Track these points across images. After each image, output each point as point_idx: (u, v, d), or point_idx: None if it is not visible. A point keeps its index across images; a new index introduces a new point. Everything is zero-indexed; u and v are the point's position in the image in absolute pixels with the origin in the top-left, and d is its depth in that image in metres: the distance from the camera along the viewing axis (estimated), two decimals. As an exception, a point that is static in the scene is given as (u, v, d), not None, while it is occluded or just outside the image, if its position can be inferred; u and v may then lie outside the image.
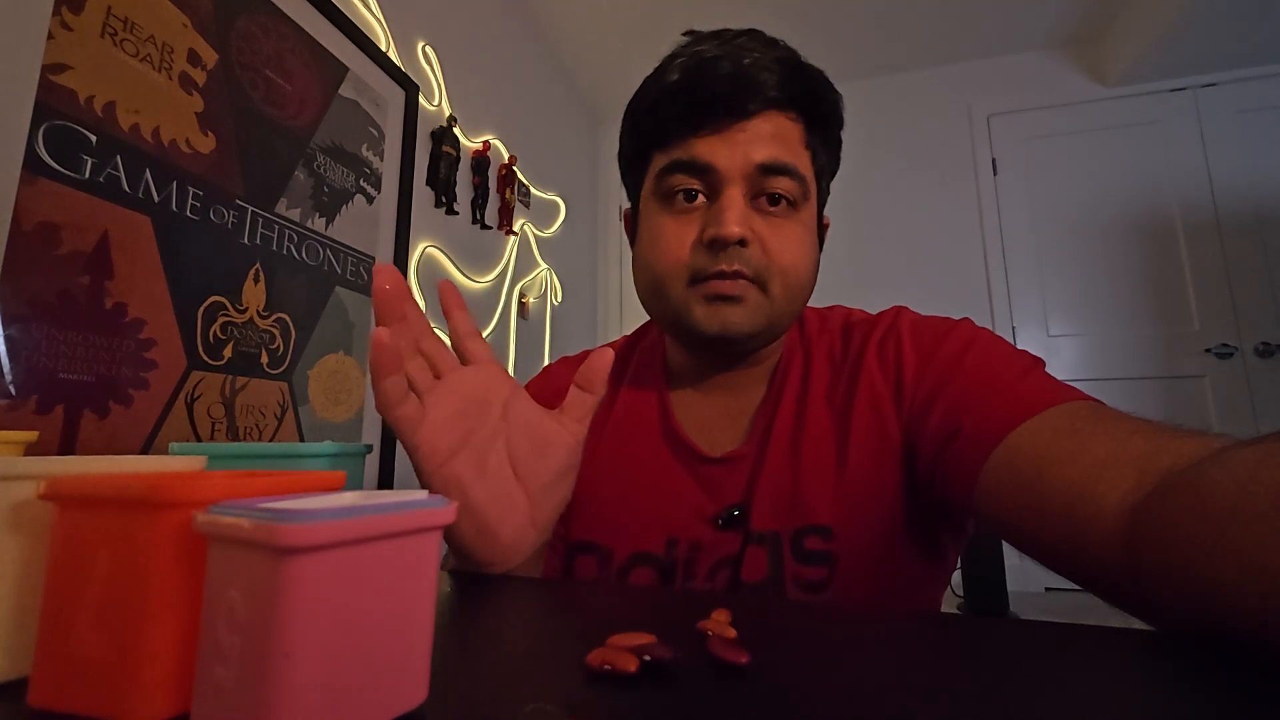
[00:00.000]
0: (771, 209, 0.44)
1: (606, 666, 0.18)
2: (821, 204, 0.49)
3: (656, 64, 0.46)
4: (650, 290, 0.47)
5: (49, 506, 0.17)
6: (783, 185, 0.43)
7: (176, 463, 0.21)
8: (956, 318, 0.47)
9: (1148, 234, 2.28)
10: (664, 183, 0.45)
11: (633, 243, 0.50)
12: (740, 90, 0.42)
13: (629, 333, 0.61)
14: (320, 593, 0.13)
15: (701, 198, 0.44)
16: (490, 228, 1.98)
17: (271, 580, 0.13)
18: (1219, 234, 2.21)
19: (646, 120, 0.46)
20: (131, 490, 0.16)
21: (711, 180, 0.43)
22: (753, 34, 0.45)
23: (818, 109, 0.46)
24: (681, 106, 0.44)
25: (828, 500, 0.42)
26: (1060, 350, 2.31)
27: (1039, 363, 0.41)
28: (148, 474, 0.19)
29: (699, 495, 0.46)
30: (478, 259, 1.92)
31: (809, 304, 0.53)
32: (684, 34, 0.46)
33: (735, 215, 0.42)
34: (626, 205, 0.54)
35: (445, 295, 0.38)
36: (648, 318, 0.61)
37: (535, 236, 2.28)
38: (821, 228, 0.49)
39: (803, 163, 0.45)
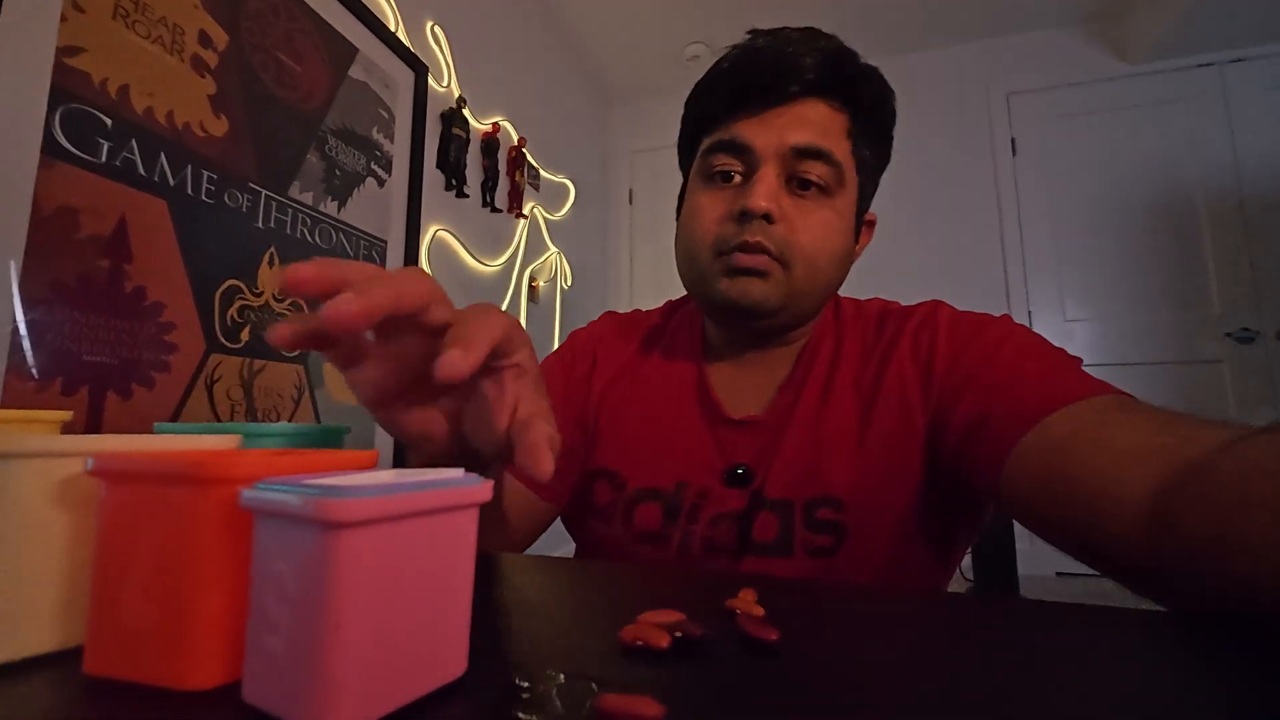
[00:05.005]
0: (802, 192, 0.45)
1: (639, 642, 0.18)
2: (864, 197, 0.49)
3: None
4: (685, 260, 0.50)
5: (93, 482, 0.18)
6: (816, 170, 0.45)
7: (213, 441, 0.21)
8: (981, 310, 0.47)
9: (1168, 216, 2.23)
10: (707, 162, 0.48)
11: (679, 219, 0.53)
12: (780, 74, 0.45)
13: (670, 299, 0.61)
14: (367, 567, 0.14)
15: (739, 178, 0.47)
16: (500, 211, 1.97)
17: (320, 554, 0.13)
18: (1242, 215, 2.16)
19: (697, 105, 0.50)
20: (178, 467, 0.16)
21: (749, 160, 0.46)
22: (808, 30, 0.47)
23: (861, 99, 0.46)
24: (726, 90, 0.47)
25: (843, 475, 0.44)
26: (1076, 335, 2.28)
27: (1075, 360, 0.41)
28: (193, 451, 0.20)
29: (713, 451, 0.49)
30: (488, 242, 1.92)
31: (847, 294, 0.54)
32: (747, 32, 0.48)
33: (764, 190, 0.44)
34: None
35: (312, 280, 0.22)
36: (658, 301, 0.61)
37: (545, 219, 2.28)
38: (862, 220, 0.50)
39: (840, 150, 0.45)
